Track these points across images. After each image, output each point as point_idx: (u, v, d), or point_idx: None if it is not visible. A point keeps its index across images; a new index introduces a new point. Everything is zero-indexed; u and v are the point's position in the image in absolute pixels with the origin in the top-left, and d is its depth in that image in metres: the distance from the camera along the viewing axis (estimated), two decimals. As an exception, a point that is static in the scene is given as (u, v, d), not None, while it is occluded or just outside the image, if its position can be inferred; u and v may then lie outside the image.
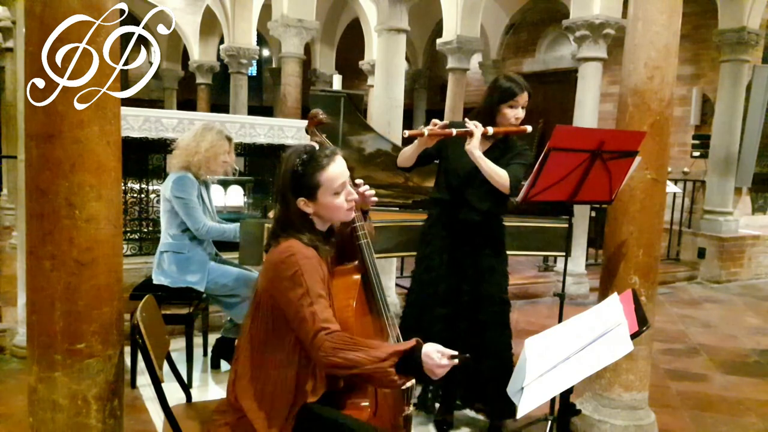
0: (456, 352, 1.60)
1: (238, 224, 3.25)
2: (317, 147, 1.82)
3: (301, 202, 1.79)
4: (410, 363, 1.59)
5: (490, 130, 2.67)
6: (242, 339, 1.85)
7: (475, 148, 2.61)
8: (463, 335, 2.76)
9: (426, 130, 2.62)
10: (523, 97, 2.71)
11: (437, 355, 1.58)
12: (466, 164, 2.68)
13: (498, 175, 2.62)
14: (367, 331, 2.06)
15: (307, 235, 1.79)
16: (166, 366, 2.04)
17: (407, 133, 2.73)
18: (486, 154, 2.72)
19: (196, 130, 3.34)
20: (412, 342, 1.62)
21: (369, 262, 2.10)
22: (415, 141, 2.70)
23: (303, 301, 1.67)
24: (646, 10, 2.72)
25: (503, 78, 2.80)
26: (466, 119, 2.71)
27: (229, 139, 3.37)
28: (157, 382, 1.83)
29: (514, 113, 2.71)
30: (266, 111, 13.85)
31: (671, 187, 5.59)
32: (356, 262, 2.11)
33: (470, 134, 2.62)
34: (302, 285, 1.68)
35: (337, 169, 1.79)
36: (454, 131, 2.65)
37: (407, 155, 2.80)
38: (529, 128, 2.71)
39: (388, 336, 2.18)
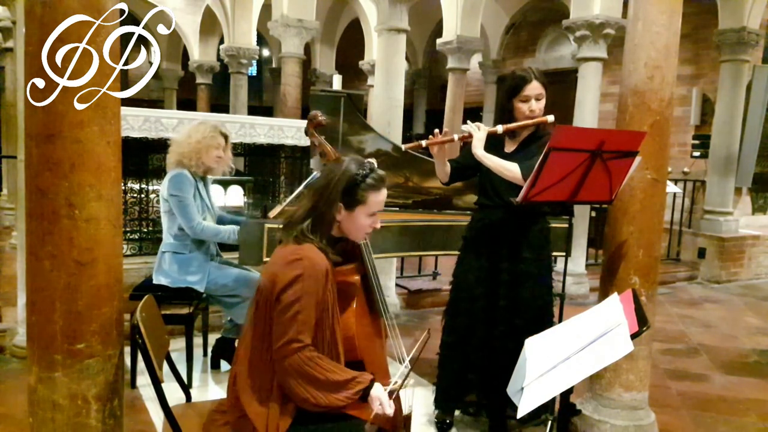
0: (391, 412, 1.74)
1: (232, 227, 3.24)
2: (376, 165, 1.90)
3: (338, 207, 1.83)
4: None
5: (499, 128, 2.63)
6: (243, 338, 1.87)
7: (477, 149, 2.60)
8: (498, 339, 2.73)
9: (423, 142, 2.62)
10: (533, 88, 2.62)
11: (376, 403, 1.73)
12: None
13: (507, 169, 2.59)
14: (366, 331, 2.06)
15: (325, 240, 1.83)
16: (166, 366, 2.04)
17: (405, 147, 2.71)
18: (517, 151, 2.71)
19: (193, 125, 3.34)
20: (368, 381, 1.75)
21: (368, 263, 2.10)
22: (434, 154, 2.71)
23: (291, 307, 1.69)
24: (646, 10, 2.72)
25: (514, 70, 2.76)
26: (468, 122, 2.71)
27: (225, 136, 3.32)
28: (157, 382, 1.83)
29: (528, 106, 2.64)
30: (266, 111, 13.84)
31: (671, 187, 5.59)
32: (356, 263, 2.11)
33: (471, 136, 2.61)
34: (298, 290, 1.70)
35: (382, 196, 1.89)
36: (456, 136, 2.64)
37: (437, 169, 2.80)
38: (549, 118, 2.61)
39: (387, 336, 2.18)
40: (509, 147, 2.76)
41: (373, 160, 1.92)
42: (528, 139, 2.74)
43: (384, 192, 1.89)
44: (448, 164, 2.79)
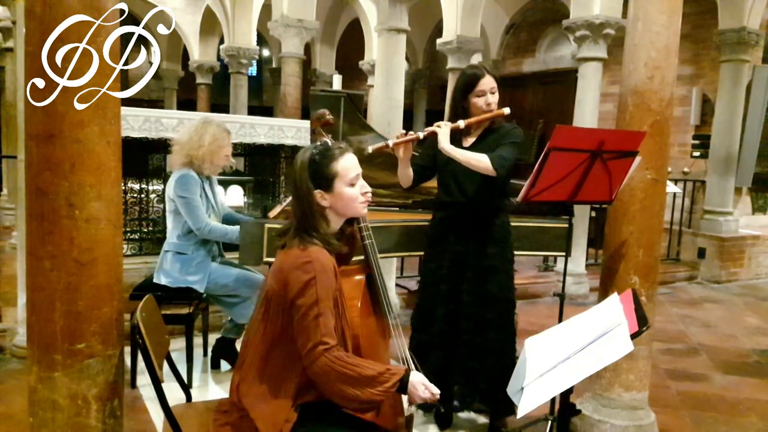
0: (438, 392, 1.75)
1: (239, 227, 3.24)
2: (330, 142, 1.86)
3: (318, 195, 1.80)
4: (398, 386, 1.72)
5: (461, 123, 2.66)
6: (250, 340, 1.85)
7: (444, 143, 2.62)
8: (463, 334, 2.76)
9: (390, 142, 2.63)
10: (487, 83, 2.68)
11: (422, 388, 1.73)
12: (452, 162, 2.68)
13: (477, 160, 2.61)
14: (371, 331, 2.06)
15: (322, 235, 1.80)
16: (166, 366, 2.04)
17: (371, 148, 2.71)
18: (476, 144, 2.74)
19: (196, 125, 3.31)
20: (403, 369, 1.73)
21: (374, 263, 2.09)
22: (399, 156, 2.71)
23: (311, 311, 1.69)
24: (646, 10, 2.72)
25: (464, 69, 2.82)
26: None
27: (228, 132, 3.35)
28: (157, 382, 1.83)
29: (484, 100, 2.69)
30: (266, 111, 13.83)
31: (671, 187, 5.59)
32: (361, 263, 2.11)
33: (435, 133, 2.63)
34: (313, 294, 1.69)
35: (351, 161, 1.84)
36: (421, 134, 2.66)
37: (400, 174, 2.81)
38: (506, 110, 2.67)
39: (391, 336, 2.18)
40: (467, 142, 2.79)
41: (325, 139, 1.90)
42: (484, 133, 2.78)
43: (350, 156, 1.85)
44: (411, 168, 2.80)
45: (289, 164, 5.22)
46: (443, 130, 2.63)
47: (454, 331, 2.78)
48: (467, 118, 2.70)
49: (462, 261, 2.78)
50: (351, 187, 1.83)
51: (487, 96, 2.69)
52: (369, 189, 1.90)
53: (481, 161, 2.60)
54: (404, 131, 2.69)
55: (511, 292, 2.86)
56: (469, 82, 2.70)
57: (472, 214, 2.76)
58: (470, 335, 2.75)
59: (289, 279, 1.72)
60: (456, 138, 2.74)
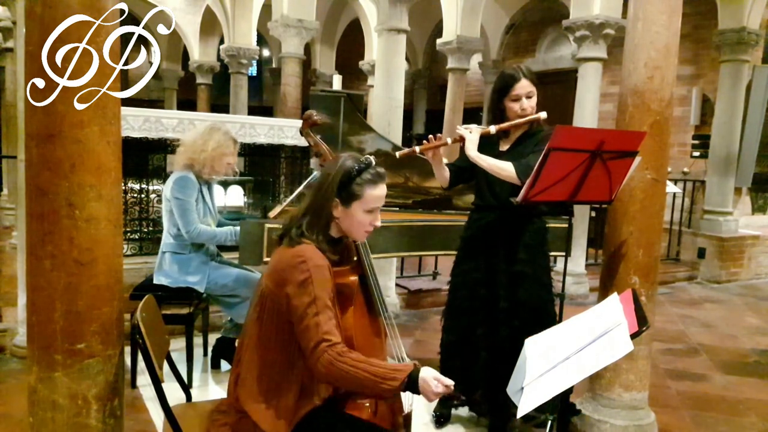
0: (452, 383, 1.67)
1: (229, 228, 3.26)
2: (374, 162, 1.86)
3: (335, 203, 1.81)
4: (407, 384, 1.66)
5: (492, 129, 2.63)
6: (245, 340, 1.85)
7: (471, 150, 2.60)
8: (502, 341, 2.72)
9: (417, 148, 2.61)
10: (523, 86, 2.62)
11: (434, 383, 1.65)
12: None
13: (502, 169, 2.59)
14: (365, 331, 2.06)
15: (323, 238, 1.81)
16: (166, 366, 2.04)
17: (398, 154, 2.69)
18: (511, 149, 2.71)
19: (204, 128, 3.33)
20: (410, 366, 1.68)
21: (366, 263, 2.09)
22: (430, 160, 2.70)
23: (309, 310, 1.68)
24: (646, 10, 2.72)
25: (502, 70, 2.78)
26: (458, 126, 2.72)
27: (235, 142, 3.37)
28: (157, 382, 1.83)
29: (519, 105, 2.64)
30: (266, 111, 13.84)
31: (671, 187, 5.59)
32: (352, 264, 2.10)
33: (464, 138, 2.61)
34: (310, 293, 1.69)
35: (380, 192, 1.85)
36: (449, 140, 2.64)
37: (437, 174, 2.80)
38: (542, 115, 2.62)
39: (386, 336, 2.18)
40: (503, 146, 2.77)
41: (371, 157, 1.88)
42: (522, 136, 2.74)
43: (382, 188, 1.85)
44: (446, 169, 2.79)
45: (289, 164, 5.22)
46: (472, 136, 2.60)
47: (495, 336, 2.75)
48: (504, 121, 2.66)
49: (495, 266, 2.75)
50: (366, 214, 1.84)
51: (522, 101, 2.63)
52: (379, 223, 1.91)
53: (505, 169, 2.57)
54: (432, 135, 2.65)
55: (543, 300, 2.76)
56: (504, 86, 2.65)
57: (505, 219, 2.73)
58: (507, 342, 2.69)
59: (285, 279, 1.72)
60: (493, 141, 2.71)
